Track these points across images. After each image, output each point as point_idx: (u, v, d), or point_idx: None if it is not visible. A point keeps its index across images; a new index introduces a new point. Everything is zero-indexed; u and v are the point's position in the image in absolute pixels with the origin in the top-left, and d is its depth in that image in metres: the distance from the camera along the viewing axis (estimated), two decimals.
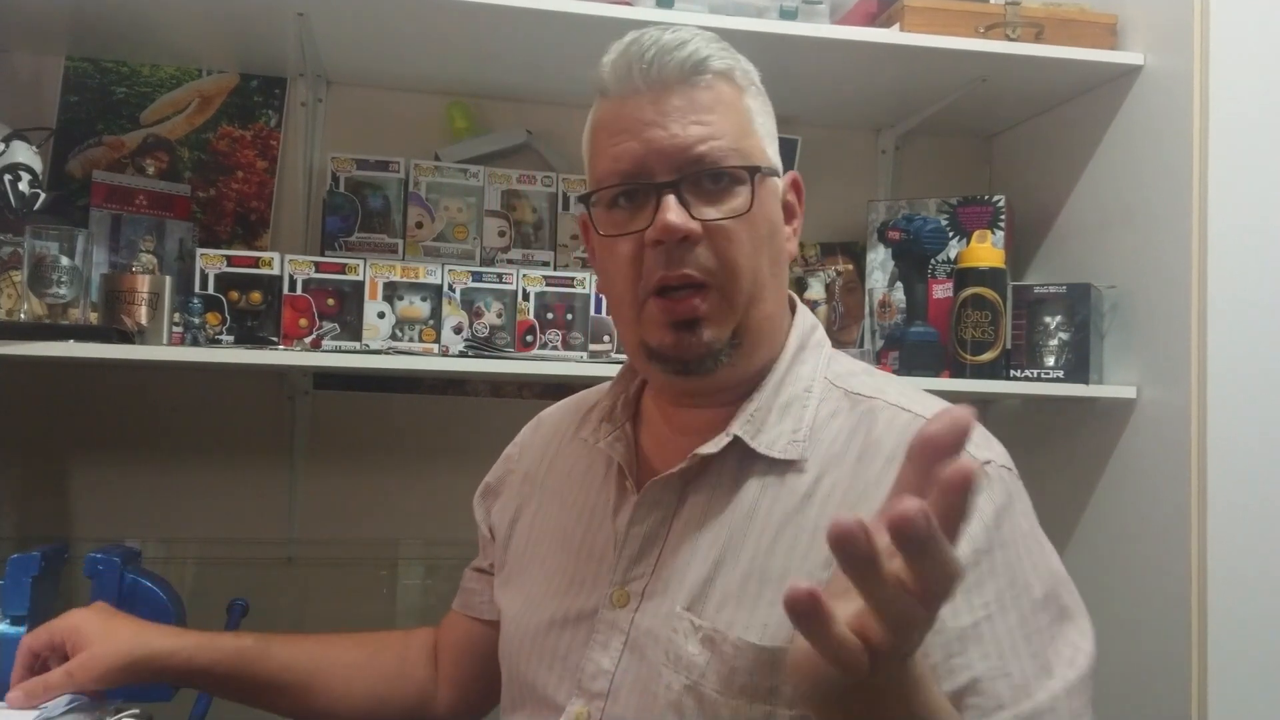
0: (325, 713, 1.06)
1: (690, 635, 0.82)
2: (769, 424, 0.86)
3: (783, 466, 0.85)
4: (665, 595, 0.85)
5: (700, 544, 0.85)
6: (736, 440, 0.86)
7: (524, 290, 1.56)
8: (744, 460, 0.86)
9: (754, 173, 0.83)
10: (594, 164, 0.87)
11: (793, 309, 0.94)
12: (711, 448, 0.86)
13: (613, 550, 0.89)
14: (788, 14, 1.53)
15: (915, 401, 0.87)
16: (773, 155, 0.88)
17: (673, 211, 0.80)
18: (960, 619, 0.77)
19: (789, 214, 0.91)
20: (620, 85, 0.84)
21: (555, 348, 1.57)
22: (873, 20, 1.60)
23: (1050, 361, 1.59)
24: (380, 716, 1.08)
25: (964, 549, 0.77)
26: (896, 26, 1.54)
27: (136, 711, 1.01)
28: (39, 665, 1.00)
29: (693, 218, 0.81)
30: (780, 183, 0.89)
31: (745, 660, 0.79)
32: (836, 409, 0.88)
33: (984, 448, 0.84)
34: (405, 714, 1.09)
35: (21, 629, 1.10)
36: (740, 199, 0.82)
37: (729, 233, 0.82)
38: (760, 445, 0.86)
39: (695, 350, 0.84)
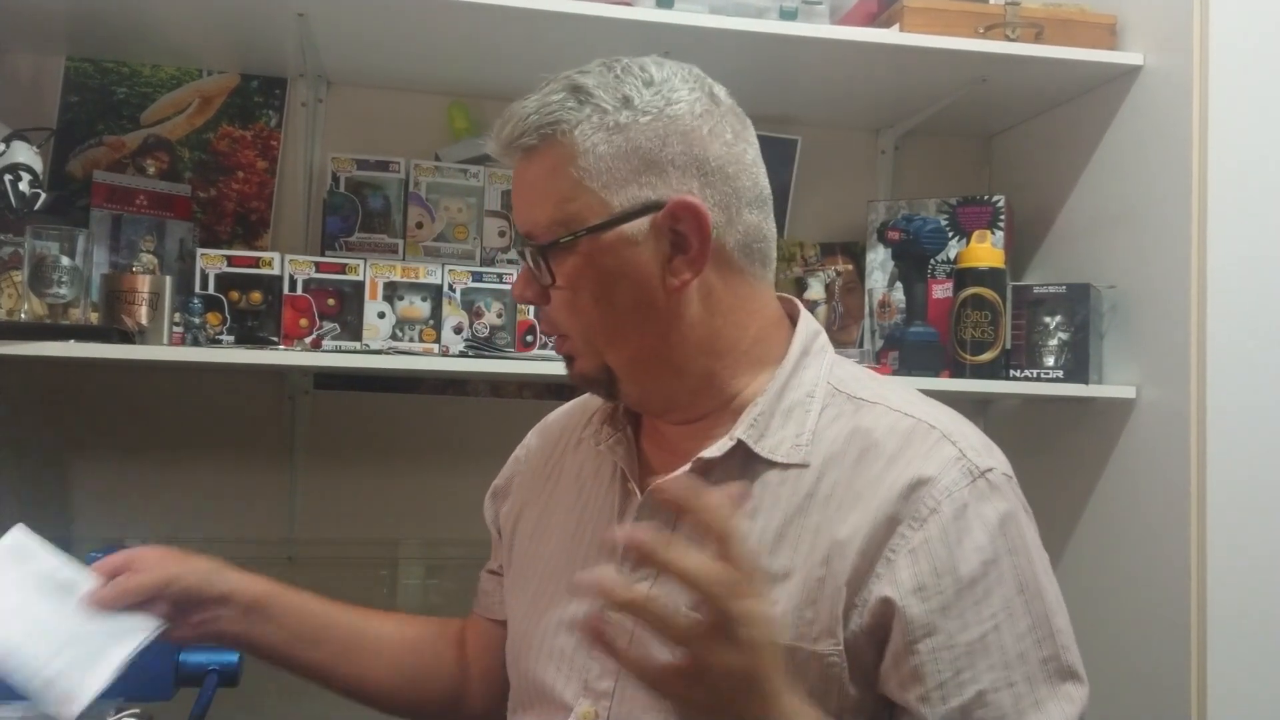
0: (354, 680, 1.06)
1: None
2: (772, 428, 0.87)
3: (784, 468, 0.86)
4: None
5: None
6: (740, 444, 0.86)
7: None
8: (747, 463, 0.87)
9: (546, 250, 0.85)
10: None
11: (795, 315, 0.94)
12: (715, 451, 0.86)
13: (618, 551, 0.90)
14: (788, 14, 1.53)
15: (916, 406, 0.88)
16: (624, 201, 0.83)
17: (515, 283, 0.92)
18: (969, 633, 0.78)
19: (682, 245, 0.84)
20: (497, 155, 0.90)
21: (555, 347, 1.56)
22: (873, 20, 1.60)
23: (1050, 361, 1.60)
24: (410, 697, 1.08)
25: (972, 560, 0.79)
26: (896, 27, 1.54)
27: (137, 711, 1.01)
28: None
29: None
30: (644, 223, 0.83)
31: None
32: (839, 413, 0.88)
33: (985, 455, 0.84)
34: (439, 699, 1.09)
35: None
36: (544, 273, 0.86)
37: (555, 299, 0.88)
38: (764, 450, 0.86)
39: (577, 379, 0.92)
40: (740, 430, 0.86)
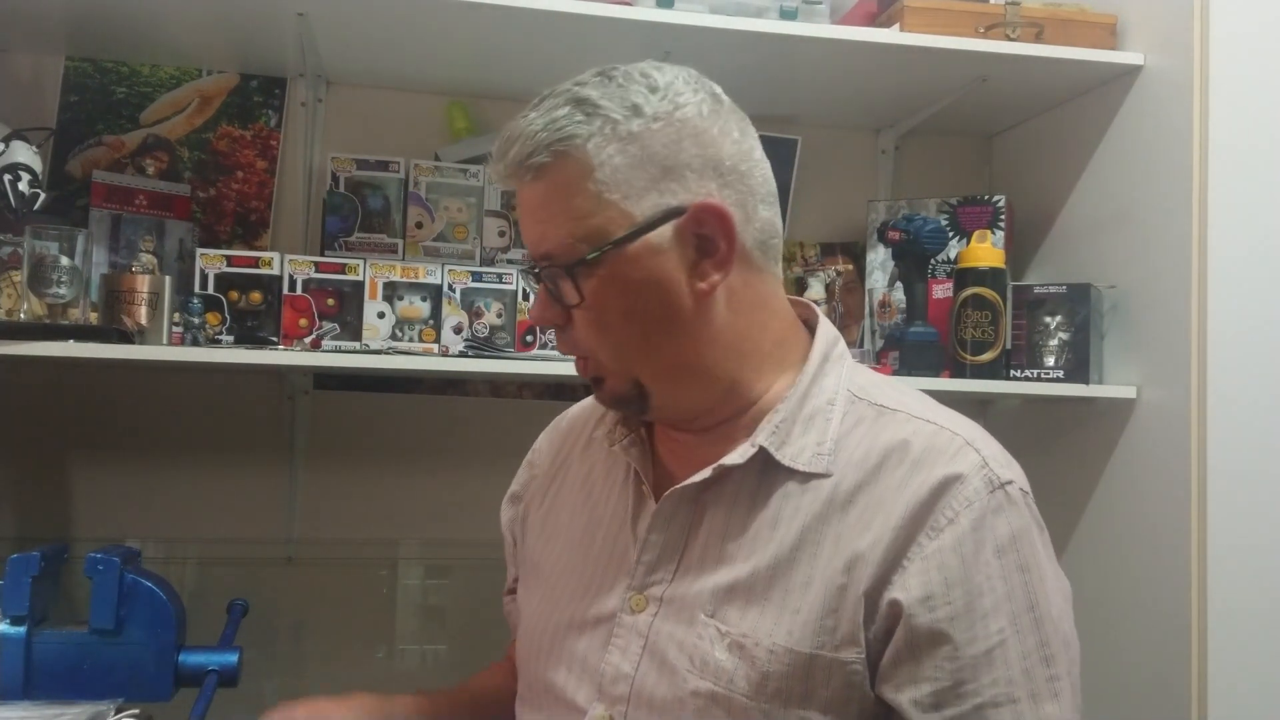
0: None
1: (716, 641, 0.83)
2: (794, 436, 0.87)
3: (805, 476, 0.86)
4: (686, 602, 0.86)
5: (724, 552, 0.86)
6: (761, 450, 0.86)
7: (524, 290, 1.56)
8: (767, 470, 0.87)
9: (573, 269, 0.83)
10: None
11: (811, 319, 0.95)
12: (736, 458, 0.86)
13: (632, 555, 0.90)
14: (788, 14, 1.53)
15: (938, 414, 0.88)
16: (646, 210, 0.82)
17: (533, 307, 0.90)
18: (975, 646, 0.78)
19: (708, 248, 0.84)
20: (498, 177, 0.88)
21: (555, 348, 1.56)
22: (873, 20, 1.60)
23: (1050, 361, 1.60)
24: None
25: (983, 574, 0.79)
26: (896, 26, 1.54)
27: (136, 711, 1.01)
28: None
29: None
30: (668, 230, 0.83)
31: (780, 665, 0.81)
32: (860, 419, 0.88)
33: (1006, 467, 0.84)
34: None
35: (22, 629, 1.10)
36: (570, 293, 0.84)
37: (579, 320, 0.86)
38: (785, 457, 0.86)
39: (607, 401, 0.91)
40: (762, 437, 0.86)
